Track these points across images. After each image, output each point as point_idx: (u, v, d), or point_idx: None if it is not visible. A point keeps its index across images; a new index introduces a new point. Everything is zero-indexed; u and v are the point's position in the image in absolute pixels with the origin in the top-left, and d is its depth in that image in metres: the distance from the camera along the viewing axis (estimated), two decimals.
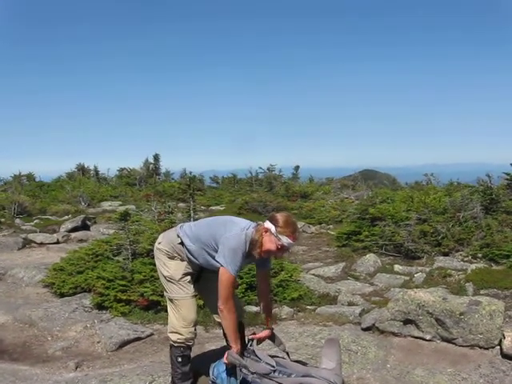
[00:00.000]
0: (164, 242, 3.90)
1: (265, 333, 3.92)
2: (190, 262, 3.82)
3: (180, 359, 3.84)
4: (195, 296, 3.90)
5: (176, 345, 3.82)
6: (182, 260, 3.83)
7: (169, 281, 3.83)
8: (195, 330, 3.89)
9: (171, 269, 3.82)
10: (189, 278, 3.87)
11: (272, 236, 3.59)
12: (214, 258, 3.65)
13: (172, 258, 3.83)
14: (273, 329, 4.04)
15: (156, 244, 3.98)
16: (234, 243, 3.53)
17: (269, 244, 3.60)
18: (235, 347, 3.60)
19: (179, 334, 3.80)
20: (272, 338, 3.98)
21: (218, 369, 3.73)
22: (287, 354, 3.94)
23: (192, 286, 3.87)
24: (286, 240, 3.57)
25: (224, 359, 3.63)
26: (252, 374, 3.51)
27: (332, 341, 3.82)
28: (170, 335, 3.87)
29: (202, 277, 3.98)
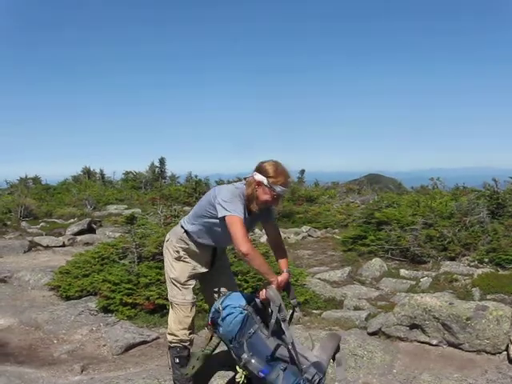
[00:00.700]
0: (172, 237, 3.94)
1: (283, 276, 3.77)
2: (199, 247, 3.82)
3: (177, 360, 3.90)
4: (194, 303, 3.93)
5: (172, 345, 3.90)
6: (188, 262, 3.85)
7: (172, 283, 3.87)
8: (191, 333, 3.93)
9: (177, 270, 3.84)
10: (193, 283, 3.91)
11: (266, 188, 3.58)
12: (214, 224, 3.64)
13: (179, 258, 3.85)
14: (290, 272, 3.97)
15: (165, 242, 4.02)
16: (228, 194, 3.54)
17: (264, 196, 3.60)
18: (274, 280, 3.50)
19: (174, 335, 3.87)
20: (288, 286, 3.86)
21: (231, 302, 3.51)
22: (293, 311, 3.90)
23: (192, 292, 3.91)
24: (280, 189, 3.58)
25: (261, 294, 3.47)
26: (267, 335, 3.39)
27: (334, 336, 3.82)
28: (167, 336, 3.96)
29: (214, 267, 3.99)
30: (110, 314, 6.31)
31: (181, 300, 3.84)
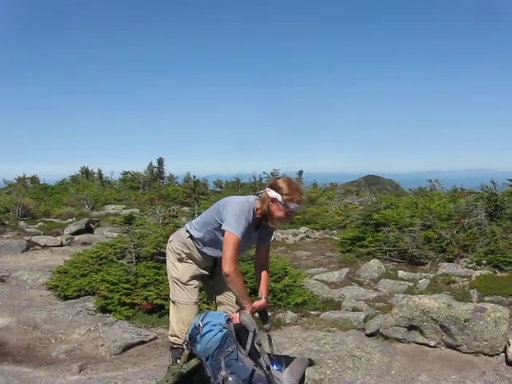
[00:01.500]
0: (174, 239, 3.92)
1: (261, 302, 3.80)
2: (201, 255, 3.82)
3: (179, 361, 3.85)
4: (197, 303, 3.91)
5: (175, 346, 3.86)
6: (191, 263, 3.84)
7: (175, 282, 3.84)
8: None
9: (179, 270, 3.83)
10: (196, 283, 3.88)
11: (280, 205, 3.59)
12: (221, 234, 3.62)
13: (181, 260, 3.83)
14: (268, 299, 4.01)
15: (168, 243, 4.00)
16: (236, 209, 3.54)
17: (278, 213, 3.61)
18: (249, 306, 3.54)
19: (176, 336, 3.83)
20: (264, 312, 3.89)
21: (211, 319, 3.53)
22: (269, 336, 3.87)
23: (197, 292, 3.88)
24: (294, 206, 3.62)
25: (235, 318, 3.50)
26: (244, 354, 3.41)
27: (302, 360, 3.87)
28: (169, 337, 3.93)
29: (214, 274, 3.95)
30: (108, 314, 6.31)
31: (184, 300, 3.82)
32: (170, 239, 3.99)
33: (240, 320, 3.45)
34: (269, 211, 3.62)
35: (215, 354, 3.39)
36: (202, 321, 3.52)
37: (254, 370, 3.41)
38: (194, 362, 3.57)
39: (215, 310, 4.03)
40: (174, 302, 3.88)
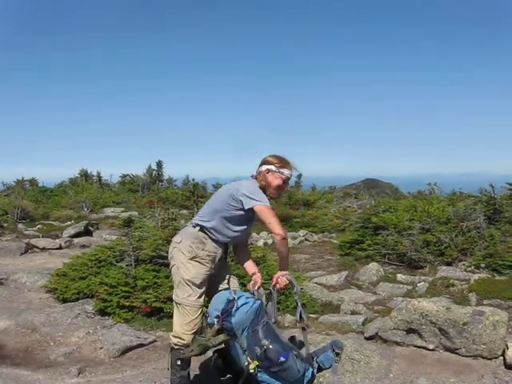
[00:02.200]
0: (184, 239, 3.92)
1: (258, 275, 4.07)
2: (216, 244, 3.89)
3: (179, 362, 3.85)
4: (203, 306, 3.91)
5: (176, 347, 3.85)
6: (203, 263, 3.84)
7: (187, 284, 3.81)
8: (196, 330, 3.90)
9: (192, 272, 3.81)
10: (205, 286, 3.90)
11: (275, 173, 3.91)
12: (234, 218, 3.83)
13: (195, 258, 3.83)
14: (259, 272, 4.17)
15: (175, 244, 3.97)
16: (253, 186, 3.82)
17: (275, 180, 3.91)
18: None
19: (180, 338, 3.83)
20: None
21: (243, 293, 3.73)
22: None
23: (204, 295, 3.90)
24: (288, 171, 3.96)
25: (281, 282, 3.81)
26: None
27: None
28: (171, 338, 3.91)
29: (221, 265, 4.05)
30: (106, 317, 6.30)
31: (193, 302, 3.81)
32: (177, 240, 3.97)
33: (289, 279, 3.81)
34: (267, 182, 3.90)
35: (252, 325, 3.52)
36: (235, 294, 3.65)
37: (285, 338, 3.70)
38: (221, 337, 3.59)
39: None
40: (179, 304, 3.86)
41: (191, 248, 3.83)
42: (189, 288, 3.82)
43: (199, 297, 3.84)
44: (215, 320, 3.57)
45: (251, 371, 3.45)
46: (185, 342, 3.81)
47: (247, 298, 3.63)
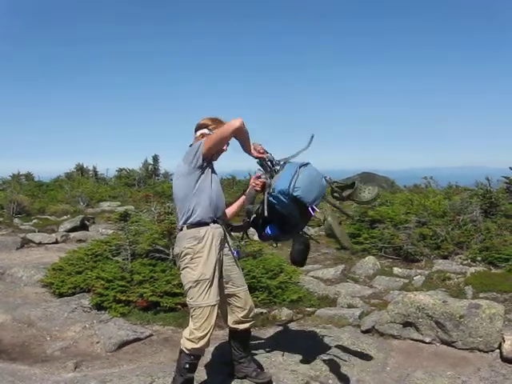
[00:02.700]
0: (178, 244, 3.83)
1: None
2: (205, 228, 3.76)
3: (188, 366, 3.70)
4: (217, 305, 3.75)
5: (188, 352, 3.70)
6: (205, 258, 3.70)
7: (195, 285, 3.67)
8: (210, 339, 3.74)
9: (197, 270, 3.67)
10: (216, 281, 3.74)
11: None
12: (198, 185, 3.75)
13: (195, 255, 3.69)
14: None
15: (176, 257, 3.90)
16: (191, 148, 3.79)
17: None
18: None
19: (195, 343, 3.66)
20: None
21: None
22: None
23: (217, 292, 3.75)
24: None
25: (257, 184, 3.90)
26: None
27: None
28: (185, 342, 3.71)
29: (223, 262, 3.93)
30: (103, 311, 6.29)
31: (203, 302, 3.66)
32: (176, 252, 3.87)
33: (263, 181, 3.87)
34: None
35: None
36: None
37: None
38: None
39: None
40: (191, 308, 3.72)
41: (188, 246, 3.71)
42: (198, 288, 3.67)
43: (210, 296, 3.67)
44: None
45: None
46: (197, 347, 3.66)
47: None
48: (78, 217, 14.45)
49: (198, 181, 3.73)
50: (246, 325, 4.05)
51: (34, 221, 15.21)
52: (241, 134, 3.75)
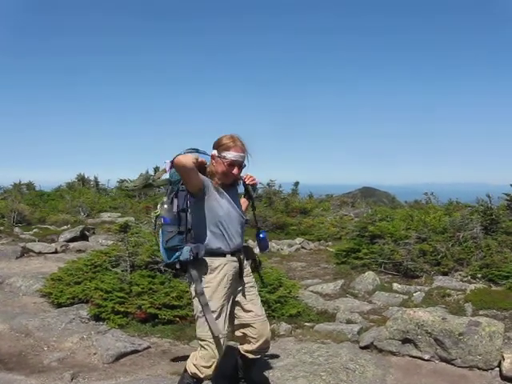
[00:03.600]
0: (189, 278, 3.71)
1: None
2: (219, 258, 3.66)
3: None
4: (226, 335, 3.66)
5: (191, 375, 3.67)
6: (214, 289, 3.59)
7: (202, 316, 3.58)
8: (214, 370, 3.64)
9: (204, 302, 3.57)
10: (224, 315, 3.65)
11: (217, 158, 3.64)
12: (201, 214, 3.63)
13: (204, 287, 3.59)
14: None
15: (188, 289, 3.83)
16: None
17: (218, 167, 3.65)
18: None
19: (198, 371, 3.61)
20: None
21: None
22: None
23: (226, 322, 3.65)
24: (229, 154, 3.60)
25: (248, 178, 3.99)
26: None
27: None
28: (190, 365, 3.66)
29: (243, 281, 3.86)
30: (101, 322, 6.28)
31: (208, 335, 3.55)
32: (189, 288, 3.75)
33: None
34: (213, 170, 3.67)
35: None
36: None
37: None
38: (164, 180, 3.70)
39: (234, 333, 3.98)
40: (198, 339, 3.65)
41: (198, 278, 3.59)
42: (202, 320, 3.59)
43: (216, 328, 3.54)
44: (164, 165, 3.60)
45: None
46: (200, 376, 3.61)
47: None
48: (78, 227, 14.47)
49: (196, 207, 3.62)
50: (258, 356, 3.98)
51: (35, 230, 15.22)
52: (182, 172, 3.43)
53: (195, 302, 3.65)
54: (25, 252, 11.67)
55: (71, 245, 12.82)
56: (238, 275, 3.78)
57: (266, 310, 6.27)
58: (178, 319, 6.05)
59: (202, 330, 3.60)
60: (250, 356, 3.95)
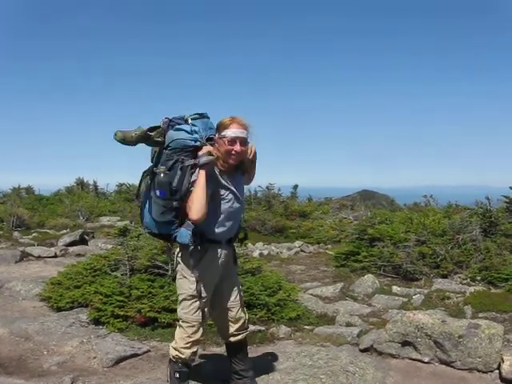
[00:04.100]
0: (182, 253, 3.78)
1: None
2: (214, 246, 3.72)
3: (178, 375, 3.80)
4: (204, 323, 3.80)
5: (174, 360, 3.80)
6: (211, 271, 3.70)
7: (186, 299, 3.70)
8: (197, 350, 3.85)
9: (191, 285, 3.67)
10: (207, 300, 3.75)
11: (219, 140, 3.62)
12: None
13: (194, 270, 3.65)
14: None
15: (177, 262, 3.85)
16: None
17: (221, 148, 3.61)
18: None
19: (180, 352, 3.75)
20: None
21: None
22: None
23: (205, 311, 3.75)
24: (229, 132, 3.58)
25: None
26: None
27: None
28: (171, 349, 3.83)
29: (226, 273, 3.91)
30: (101, 326, 6.27)
31: (191, 317, 3.71)
32: (178, 252, 3.82)
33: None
34: (219, 153, 3.64)
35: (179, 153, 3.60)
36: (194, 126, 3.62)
37: None
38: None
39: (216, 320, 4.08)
40: (180, 319, 3.79)
41: (192, 263, 3.65)
42: (188, 302, 3.71)
43: (199, 312, 3.71)
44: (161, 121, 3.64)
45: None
46: (183, 357, 3.74)
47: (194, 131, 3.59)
48: (78, 231, 14.46)
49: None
50: (239, 337, 4.06)
51: (34, 234, 15.22)
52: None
53: (182, 283, 3.73)
54: (24, 256, 11.67)
55: (70, 249, 12.82)
56: (232, 261, 3.92)
57: (265, 314, 6.29)
58: (177, 323, 6.05)
59: (187, 312, 3.71)
60: (232, 339, 4.04)
